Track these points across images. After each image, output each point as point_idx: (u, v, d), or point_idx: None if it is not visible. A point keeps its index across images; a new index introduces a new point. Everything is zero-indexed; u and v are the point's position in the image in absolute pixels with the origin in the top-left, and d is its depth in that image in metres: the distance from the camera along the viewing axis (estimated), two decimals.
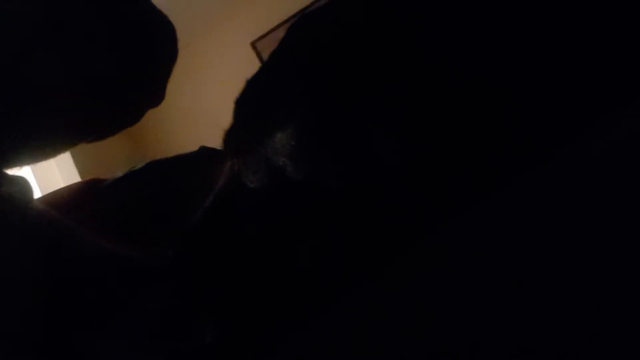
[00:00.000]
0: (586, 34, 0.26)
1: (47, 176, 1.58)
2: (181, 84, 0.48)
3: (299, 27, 0.33)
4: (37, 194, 0.43)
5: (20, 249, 0.31)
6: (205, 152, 0.49)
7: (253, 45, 2.49)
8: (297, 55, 0.32)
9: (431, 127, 0.27)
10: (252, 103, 0.33)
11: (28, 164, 0.40)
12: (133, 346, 0.30)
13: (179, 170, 0.48)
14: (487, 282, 0.24)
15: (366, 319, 0.25)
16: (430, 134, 0.27)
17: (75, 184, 0.54)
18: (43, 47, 0.37)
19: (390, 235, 0.27)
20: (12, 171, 0.39)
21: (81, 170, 1.79)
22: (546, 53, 0.27)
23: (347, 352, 0.25)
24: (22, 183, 0.38)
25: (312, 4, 2.34)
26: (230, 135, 0.35)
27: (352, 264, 0.27)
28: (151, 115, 0.50)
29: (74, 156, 1.80)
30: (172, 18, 0.47)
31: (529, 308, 0.23)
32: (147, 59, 0.43)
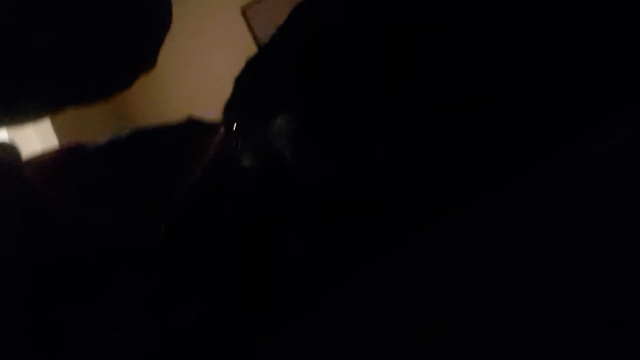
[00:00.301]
0: (592, 43, 0.26)
1: (22, 138, 1.54)
2: (165, 49, 0.47)
3: (304, 9, 0.32)
4: None
5: (10, 220, 0.30)
6: (192, 123, 0.48)
7: (243, 11, 2.43)
8: (300, 42, 0.31)
9: (434, 124, 0.27)
10: (254, 84, 0.33)
11: (10, 126, 0.39)
12: (118, 324, 0.30)
13: (165, 140, 0.47)
14: (488, 280, 0.24)
15: (357, 315, 0.26)
16: (433, 130, 0.27)
17: (56, 149, 0.52)
18: (32, 11, 0.35)
19: (386, 229, 0.27)
20: None
21: (60, 134, 1.75)
22: (551, 56, 0.27)
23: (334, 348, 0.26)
24: (10, 150, 0.36)
25: None
26: (229, 111, 0.34)
27: (344, 257, 0.27)
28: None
29: (52, 119, 1.75)
30: None
31: (532, 309, 0.23)
32: (141, 22, 0.42)
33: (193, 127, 0.47)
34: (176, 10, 0.48)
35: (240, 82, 0.34)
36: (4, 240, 0.29)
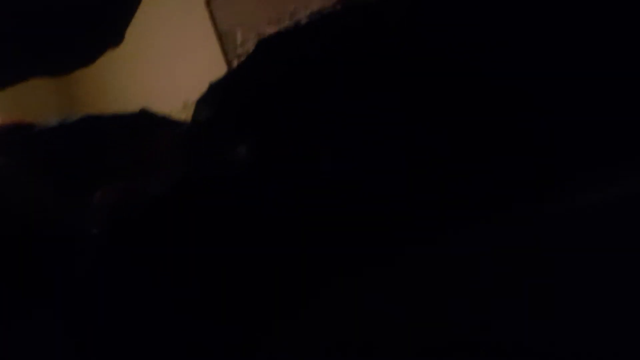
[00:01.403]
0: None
1: None
2: (126, 37, 0.46)
3: (268, 46, 0.34)
4: None
5: None
6: (146, 116, 0.48)
7: (207, 3, 2.39)
8: (260, 78, 0.32)
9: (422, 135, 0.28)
10: (212, 109, 0.34)
11: None
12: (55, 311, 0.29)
13: (118, 129, 0.47)
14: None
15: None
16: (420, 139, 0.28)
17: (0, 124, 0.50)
18: None
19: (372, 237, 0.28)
20: None
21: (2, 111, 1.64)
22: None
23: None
24: None
25: None
26: (186, 137, 0.35)
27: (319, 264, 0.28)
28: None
29: None
30: None
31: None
32: None
33: (146, 120, 0.47)
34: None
35: (200, 104, 0.34)
36: None
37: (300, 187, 0.29)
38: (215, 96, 0.34)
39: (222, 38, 2.48)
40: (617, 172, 0.27)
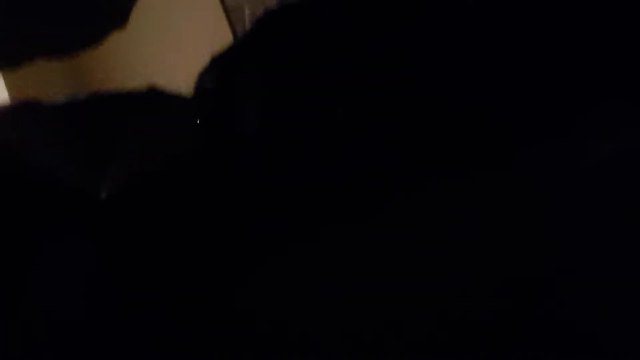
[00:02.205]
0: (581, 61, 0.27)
1: None
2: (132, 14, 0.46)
3: (274, 19, 0.33)
4: None
5: None
6: (154, 93, 0.48)
7: None
8: (264, 50, 0.32)
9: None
10: (215, 81, 0.33)
11: None
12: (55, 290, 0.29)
13: (126, 107, 0.47)
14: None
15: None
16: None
17: (7, 103, 0.51)
18: None
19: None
20: None
21: (12, 92, 1.65)
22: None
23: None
24: None
25: None
26: (188, 108, 0.35)
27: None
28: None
29: (5, 75, 1.65)
30: None
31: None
32: None
33: (154, 96, 0.47)
34: None
35: (203, 78, 0.34)
36: None
37: (303, 158, 0.29)
38: (218, 68, 0.34)
39: (230, 14, 2.45)
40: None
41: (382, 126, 0.29)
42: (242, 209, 0.30)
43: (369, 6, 0.31)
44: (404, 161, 0.28)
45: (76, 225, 0.32)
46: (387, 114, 0.29)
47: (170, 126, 0.36)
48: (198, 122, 0.33)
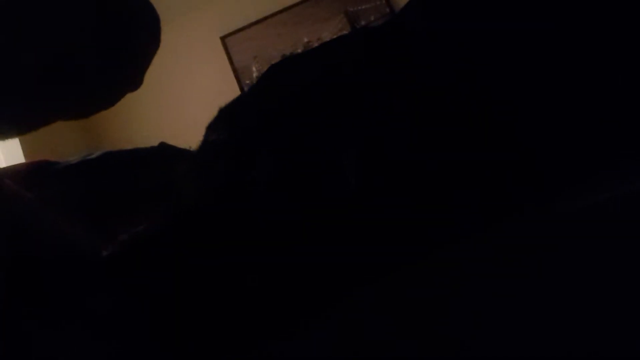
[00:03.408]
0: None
1: None
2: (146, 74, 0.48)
3: (279, 70, 0.34)
4: None
5: None
6: (165, 149, 0.49)
7: (223, 40, 2.47)
8: (267, 102, 0.33)
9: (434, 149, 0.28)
10: (222, 132, 0.34)
11: None
12: (81, 340, 0.29)
13: (137, 164, 0.48)
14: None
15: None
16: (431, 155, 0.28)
17: (22, 164, 0.52)
18: (24, 35, 0.36)
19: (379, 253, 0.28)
20: None
21: (26, 149, 1.70)
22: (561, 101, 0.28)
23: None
24: None
25: (285, 8, 2.36)
26: (196, 159, 0.35)
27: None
28: None
29: (20, 137, 1.70)
30: None
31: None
32: (131, 45, 0.42)
33: (165, 153, 0.48)
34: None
35: (211, 128, 0.35)
36: None
37: (311, 203, 0.29)
38: (225, 119, 0.35)
39: (238, 73, 2.55)
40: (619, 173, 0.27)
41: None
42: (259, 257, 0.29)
43: (364, 59, 0.33)
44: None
45: (93, 280, 0.32)
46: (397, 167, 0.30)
47: (179, 179, 0.36)
48: (205, 172, 0.33)
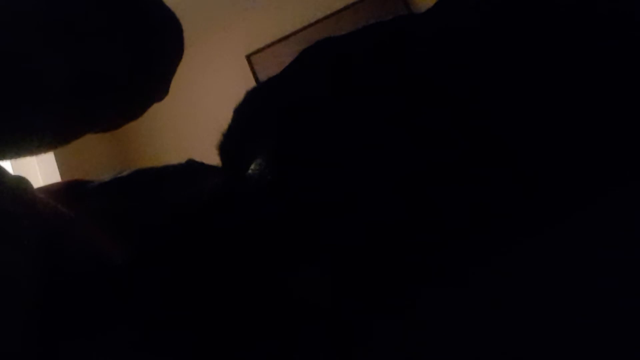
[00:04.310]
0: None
1: (26, 173, 1.56)
2: (171, 90, 0.49)
3: (312, 53, 0.34)
4: None
5: (27, 251, 0.30)
6: (193, 166, 0.49)
7: (248, 58, 2.52)
8: (299, 85, 0.32)
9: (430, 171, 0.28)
10: (247, 116, 0.34)
11: (19, 156, 0.39)
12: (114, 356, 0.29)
13: (167, 181, 0.48)
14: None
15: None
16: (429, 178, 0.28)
17: (56, 183, 0.53)
18: (50, 46, 0.36)
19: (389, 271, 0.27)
20: None
21: (62, 170, 1.77)
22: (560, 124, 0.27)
23: None
24: (25, 182, 0.37)
25: (309, 25, 2.39)
26: (226, 141, 0.35)
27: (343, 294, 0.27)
28: (139, 119, 0.51)
29: (56, 154, 1.78)
30: None
31: None
32: (157, 55, 0.43)
33: (194, 170, 0.48)
34: (186, 54, 0.51)
35: (239, 113, 0.34)
36: (22, 271, 0.29)
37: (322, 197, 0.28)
38: (252, 103, 0.34)
39: None
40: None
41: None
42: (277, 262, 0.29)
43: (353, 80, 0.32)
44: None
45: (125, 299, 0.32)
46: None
47: (206, 193, 0.37)
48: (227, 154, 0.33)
